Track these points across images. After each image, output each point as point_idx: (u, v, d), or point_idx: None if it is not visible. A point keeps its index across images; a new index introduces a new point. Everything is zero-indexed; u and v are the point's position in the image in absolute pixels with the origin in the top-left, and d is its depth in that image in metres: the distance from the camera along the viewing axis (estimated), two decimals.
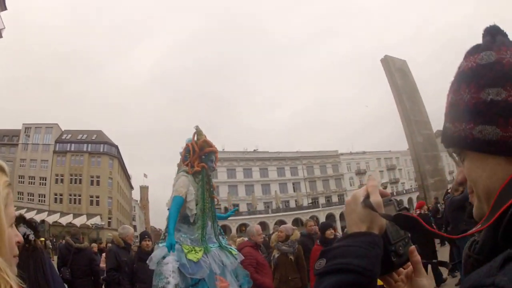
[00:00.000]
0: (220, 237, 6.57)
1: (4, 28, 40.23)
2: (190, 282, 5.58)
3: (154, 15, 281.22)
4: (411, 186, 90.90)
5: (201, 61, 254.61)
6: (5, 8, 40.44)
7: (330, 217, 77.62)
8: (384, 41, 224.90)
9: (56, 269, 8.28)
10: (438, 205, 21.75)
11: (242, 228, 69.29)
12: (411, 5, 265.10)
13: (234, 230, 69.93)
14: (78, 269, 9.67)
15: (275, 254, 9.00)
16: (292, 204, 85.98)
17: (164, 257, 5.67)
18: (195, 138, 6.51)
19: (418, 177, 43.31)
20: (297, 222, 72.22)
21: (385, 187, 61.03)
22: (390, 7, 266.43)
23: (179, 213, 6.10)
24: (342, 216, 74.78)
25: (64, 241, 11.53)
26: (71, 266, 9.68)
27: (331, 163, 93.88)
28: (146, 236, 8.76)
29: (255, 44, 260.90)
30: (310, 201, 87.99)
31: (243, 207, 79.82)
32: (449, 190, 12.37)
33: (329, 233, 8.35)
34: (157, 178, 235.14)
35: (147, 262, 5.98)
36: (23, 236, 7.46)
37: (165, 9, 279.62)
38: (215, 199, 6.81)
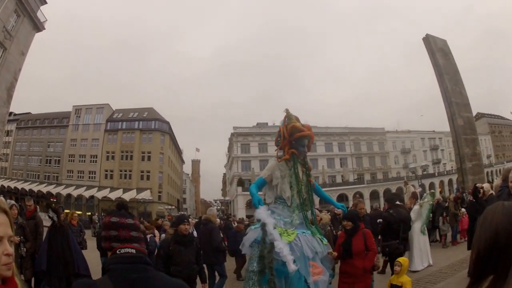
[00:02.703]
0: (313, 225, 6.46)
1: (46, 20, 41.69)
2: (280, 262, 5.43)
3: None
4: (452, 167, 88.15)
5: (259, 37, 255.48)
6: (45, 2, 41.86)
7: (374, 193, 77.72)
8: (432, 22, 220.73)
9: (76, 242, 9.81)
10: (464, 194, 22.00)
11: None
12: None
13: None
14: None
15: None
16: (339, 179, 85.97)
17: (255, 240, 5.72)
18: (286, 122, 6.32)
19: (457, 160, 42.81)
20: (341, 197, 72.92)
21: (425, 169, 60.99)
22: None
23: (274, 195, 6.27)
24: (385, 193, 75.12)
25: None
26: None
27: (377, 140, 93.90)
28: (185, 220, 8.27)
29: (311, 22, 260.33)
30: (356, 177, 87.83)
31: None
32: (477, 185, 11.95)
33: (344, 223, 8.06)
34: (209, 152, 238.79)
35: (240, 247, 6.14)
36: (51, 218, 9.60)
37: None
38: (310, 181, 6.57)
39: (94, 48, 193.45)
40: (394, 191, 66.17)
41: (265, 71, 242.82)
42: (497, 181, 11.70)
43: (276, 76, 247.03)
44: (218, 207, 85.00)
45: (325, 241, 6.22)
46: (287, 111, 6.38)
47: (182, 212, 74.11)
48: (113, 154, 74.52)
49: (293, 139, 6.19)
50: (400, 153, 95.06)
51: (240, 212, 66.16)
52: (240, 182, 76.66)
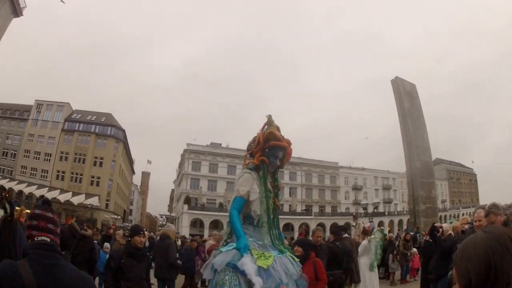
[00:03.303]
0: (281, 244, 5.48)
1: (26, 6, 41.05)
2: None
3: (190, 17, 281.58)
4: (403, 208, 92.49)
5: (221, 65, 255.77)
6: None
7: (320, 226, 77.23)
8: (401, 68, 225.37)
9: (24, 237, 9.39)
10: (418, 235, 22.47)
11: None
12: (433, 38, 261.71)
13: (225, 226, 70.27)
14: (79, 255, 9.72)
15: None
16: (286, 208, 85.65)
17: (229, 264, 4.72)
18: (264, 129, 5.49)
19: (411, 201, 43.36)
20: (288, 227, 73.59)
21: (376, 207, 61.66)
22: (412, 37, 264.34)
23: (242, 212, 5.25)
24: (332, 226, 76.16)
25: (69, 223, 11.76)
26: (73, 251, 9.65)
27: (329, 174, 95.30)
28: (142, 232, 7.71)
29: (274, 58, 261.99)
30: (304, 207, 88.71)
31: None
32: (436, 224, 11.70)
33: (294, 249, 7.63)
34: (160, 165, 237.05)
35: (201, 270, 5.39)
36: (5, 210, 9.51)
37: (203, 10, 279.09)
38: (276, 205, 5.55)
39: (63, 45, 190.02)
40: None
41: (225, 94, 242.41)
42: (456, 223, 11.87)
43: (235, 100, 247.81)
44: (164, 222, 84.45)
45: (296, 259, 5.48)
46: (269, 117, 5.58)
47: (134, 223, 73.31)
48: (66, 155, 72.98)
49: (267, 146, 5.34)
50: (352, 189, 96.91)
51: (184, 230, 65.92)
52: (187, 200, 76.58)
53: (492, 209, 6.17)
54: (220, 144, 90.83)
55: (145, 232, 9.22)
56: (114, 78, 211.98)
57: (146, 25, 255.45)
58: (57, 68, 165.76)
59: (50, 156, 72.31)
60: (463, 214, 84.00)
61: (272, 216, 5.34)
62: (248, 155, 5.67)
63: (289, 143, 5.56)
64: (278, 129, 5.55)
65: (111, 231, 19.73)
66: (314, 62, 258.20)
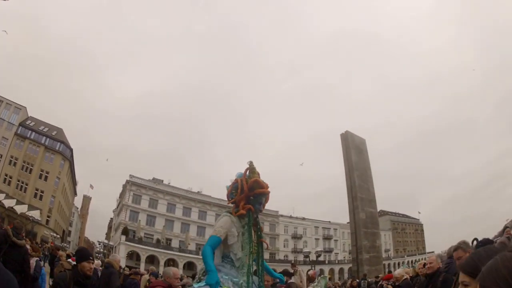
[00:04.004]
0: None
1: None
2: None
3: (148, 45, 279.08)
4: (344, 257, 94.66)
5: (180, 99, 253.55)
6: None
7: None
8: (352, 121, 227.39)
9: None
10: (363, 281, 22.88)
11: (170, 263, 70.48)
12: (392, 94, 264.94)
13: (162, 263, 71.06)
14: (10, 263, 8.92)
15: None
16: None
17: None
18: (247, 175, 5.64)
19: (354, 250, 43.23)
20: None
21: (319, 255, 62.01)
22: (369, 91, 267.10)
23: (221, 253, 5.46)
24: None
25: (4, 227, 11.28)
26: (3, 257, 9.16)
27: (269, 221, 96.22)
28: (91, 257, 6.83)
29: (224, 105, 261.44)
30: None
31: (175, 243, 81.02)
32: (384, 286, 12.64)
33: None
34: (101, 192, 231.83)
35: None
36: None
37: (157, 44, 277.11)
38: (264, 243, 5.98)
39: (37, 47, 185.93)
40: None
41: (176, 131, 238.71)
42: (407, 269, 13.04)
43: (185, 140, 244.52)
44: (101, 250, 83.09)
45: None
46: (251, 163, 5.74)
47: (81, 246, 71.34)
48: (16, 161, 70.61)
49: (252, 194, 5.54)
50: (291, 237, 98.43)
51: (121, 261, 64.36)
52: (125, 231, 75.65)
53: (462, 245, 6.45)
54: (162, 180, 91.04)
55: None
56: (70, 93, 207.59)
57: (110, 49, 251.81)
58: (18, 68, 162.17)
59: (1, 158, 69.66)
60: (408, 262, 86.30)
61: (258, 258, 5.62)
62: (230, 203, 5.76)
63: (267, 186, 5.69)
64: (258, 174, 5.73)
65: (60, 252, 19.18)
66: (263, 112, 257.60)
